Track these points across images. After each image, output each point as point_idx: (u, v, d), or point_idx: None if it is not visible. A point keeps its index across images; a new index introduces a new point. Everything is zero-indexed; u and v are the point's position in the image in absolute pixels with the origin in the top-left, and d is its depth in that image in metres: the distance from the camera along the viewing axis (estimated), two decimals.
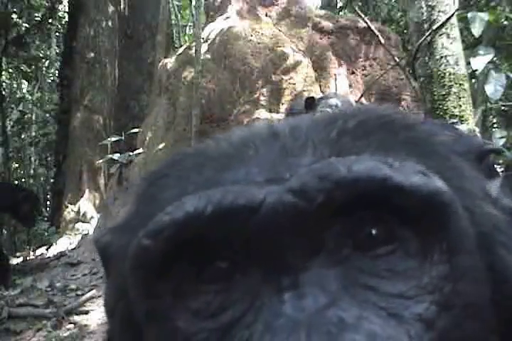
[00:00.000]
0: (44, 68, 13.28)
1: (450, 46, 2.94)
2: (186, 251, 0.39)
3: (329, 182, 0.37)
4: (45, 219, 9.76)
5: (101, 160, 7.40)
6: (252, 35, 5.98)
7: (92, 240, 0.52)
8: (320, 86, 5.80)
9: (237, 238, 0.38)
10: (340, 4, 10.82)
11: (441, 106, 2.88)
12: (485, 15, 3.39)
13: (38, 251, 7.10)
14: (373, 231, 0.39)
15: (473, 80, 4.05)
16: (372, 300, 0.36)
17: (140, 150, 6.31)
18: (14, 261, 6.47)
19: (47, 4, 11.14)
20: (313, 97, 3.83)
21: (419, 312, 0.36)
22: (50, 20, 11.38)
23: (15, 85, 13.72)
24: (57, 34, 12.47)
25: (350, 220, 0.38)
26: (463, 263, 0.38)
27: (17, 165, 12.91)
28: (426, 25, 2.98)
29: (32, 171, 12.64)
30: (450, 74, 2.90)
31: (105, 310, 0.51)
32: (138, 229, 0.40)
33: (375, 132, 0.43)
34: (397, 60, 4.23)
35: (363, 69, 6.10)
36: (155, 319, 0.40)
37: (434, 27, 2.93)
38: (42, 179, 12.60)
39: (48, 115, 12.44)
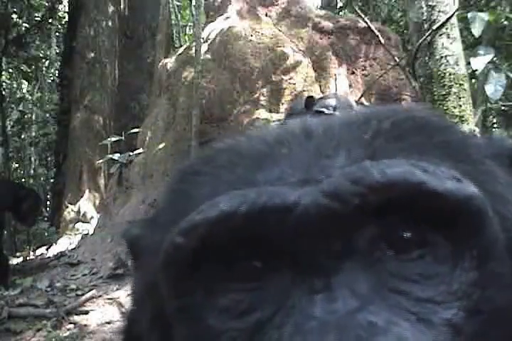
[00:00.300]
0: (44, 68, 13.28)
1: (450, 46, 2.94)
2: (218, 250, 0.39)
3: (363, 186, 0.37)
4: (45, 219, 9.77)
5: (101, 160, 7.40)
6: (252, 35, 5.98)
7: (121, 232, 0.52)
8: (320, 86, 5.80)
9: (269, 238, 0.38)
10: (340, 4, 10.82)
11: (441, 106, 2.88)
12: (485, 15, 3.39)
13: (38, 251, 7.10)
14: (405, 235, 0.39)
15: (473, 80, 4.05)
16: (402, 304, 0.37)
17: (140, 150, 6.31)
18: (14, 261, 6.47)
19: (47, 4, 11.14)
20: (312, 97, 3.82)
21: (448, 317, 0.36)
22: (50, 20, 11.38)
23: (15, 85, 13.73)
24: (57, 34, 12.47)
25: (382, 223, 0.38)
26: (492, 270, 0.38)
27: (17, 165, 12.91)
28: (426, 25, 2.98)
29: (32, 171, 12.65)
30: (450, 74, 2.90)
31: (132, 304, 0.51)
32: (170, 226, 0.41)
33: (409, 134, 0.43)
34: (397, 60, 4.23)
35: (363, 69, 6.10)
36: (185, 316, 0.40)
37: (434, 27, 2.93)
38: (42, 179, 12.61)
39: (47, 115, 12.44)
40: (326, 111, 3.51)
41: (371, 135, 0.42)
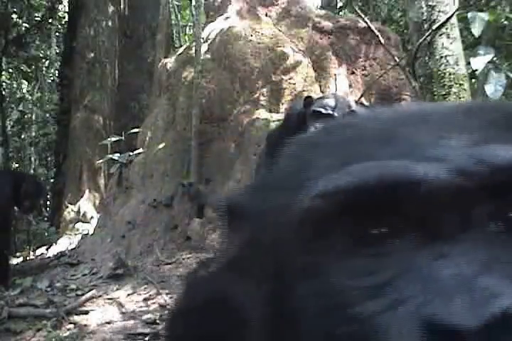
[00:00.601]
0: (44, 68, 13.28)
1: (450, 46, 2.94)
2: (350, 215, 0.43)
3: (489, 166, 0.41)
4: (45, 219, 9.77)
5: (101, 160, 7.40)
6: (252, 35, 5.98)
7: (221, 198, 0.55)
8: (320, 86, 5.80)
9: (398, 208, 0.42)
10: (340, 4, 10.82)
11: None
12: (485, 15, 3.39)
13: (38, 251, 7.10)
14: None
15: (473, 80, 4.05)
16: None
17: (140, 150, 6.31)
18: (14, 261, 6.47)
19: (47, 4, 11.14)
20: (311, 97, 3.82)
21: None
22: (50, 20, 11.38)
23: (15, 85, 13.72)
24: (57, 34, 12.47)
25: (499, 202, 0.42)
26: None
27: (17, 165, 12.91)
28: (426, 25, 2.98)
29: (32, 171, 12.64)
30: (450, 74, 2.91)
31: (223, 263, 0.53)
32: (295, 190, 0.45)
33: None
34: (397, 60, 4.23)
35: (363, 69, 6.10)
36: (310, 274, 0.43)
37: (434, 27, 2.94)
38: (42, 179, 12.59)
39: (47, 115, 12.44)
40: (323, 111, 3.51)
41: (484, 123, 0.46)
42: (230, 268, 0.53)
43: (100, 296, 4.56)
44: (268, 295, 0.46)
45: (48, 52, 12.98)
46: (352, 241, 0.43)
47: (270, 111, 5.54)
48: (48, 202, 11.24)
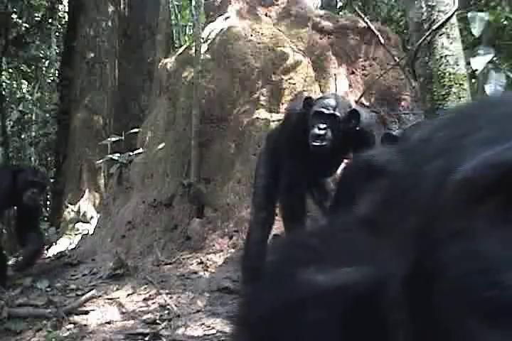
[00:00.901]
0: (44, 68, 13.28)
1: (450, 46, 2.95)
2: (508, 187, 0.44)
3: None
4: (45, 219, 9.76)
5: (101, 160, 7.39)
6: (252, 35, 5.98)
7: (366, 155, 0.58)
8: (320, 86, 5.80)
9: None
10: (340, 4, 10.82)
11: (441, 106, 2.88)
12: (485, 15, 3.39)
13: None
14: None
15: (473, 80, 4.05)
16: None
17: (140, 150, 6.31)
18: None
19: (47, 4, 11.14)
20: (310, 97, 3.84)
21: None
22: (50, 20, 11.39)
23: (15, 85, 13.72)
24: (57, 34, 12.47)
25: None
26: None
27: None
28: (426, 25, 2.98)
29: None
30: (450, 74, 2.91)
31: (362, 215, 0.56)
32: (453, 157, 0.47)
33: None
34: (397, 60, 4.23)
35: (362, 69, 6.10)
36: (460, 238, 0.45)
37: (434, 27, 2.94)
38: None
39: (47, 115, 12.43)
40: (326, 111, 3.52)
41: None
42: (363, 229, 0.55)
43: (100, 296, 4.56)
44: (411, 254, 0.48)
45: (48, 52, 12.98)
46: (506, 212, 0.44)
47: (270, 111, 5.54)
48: (48, 202, 11.24)
